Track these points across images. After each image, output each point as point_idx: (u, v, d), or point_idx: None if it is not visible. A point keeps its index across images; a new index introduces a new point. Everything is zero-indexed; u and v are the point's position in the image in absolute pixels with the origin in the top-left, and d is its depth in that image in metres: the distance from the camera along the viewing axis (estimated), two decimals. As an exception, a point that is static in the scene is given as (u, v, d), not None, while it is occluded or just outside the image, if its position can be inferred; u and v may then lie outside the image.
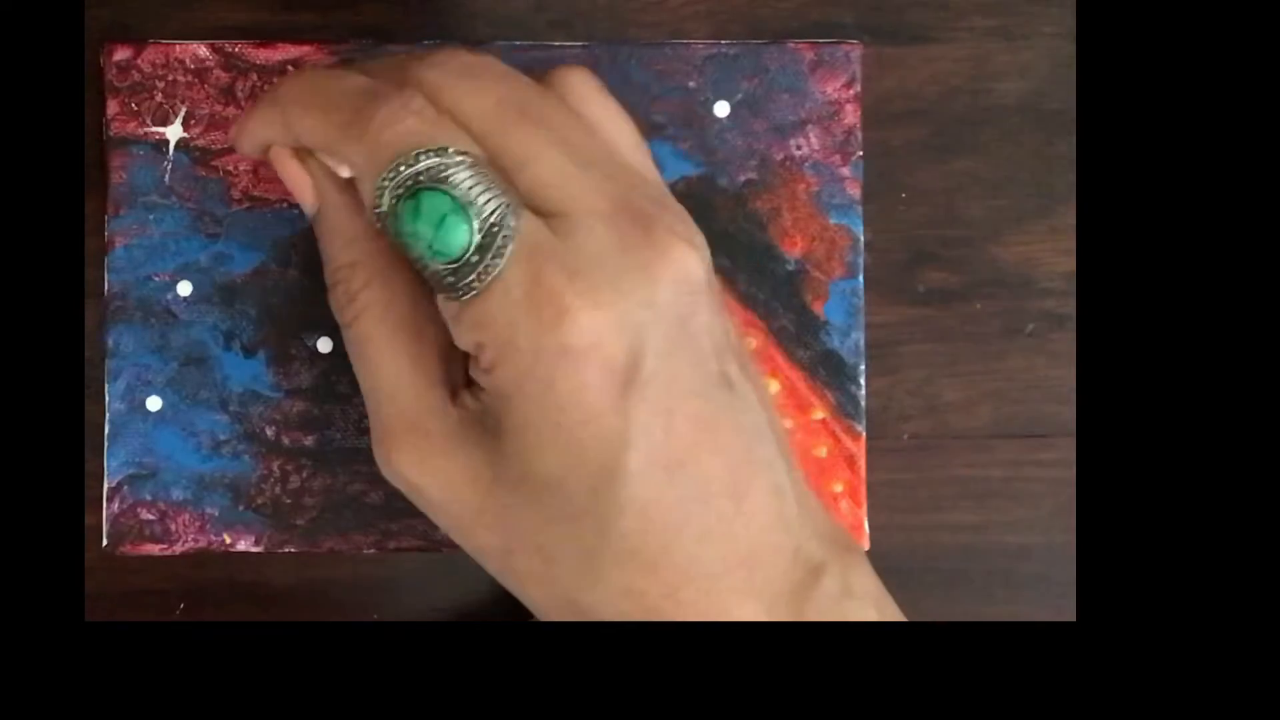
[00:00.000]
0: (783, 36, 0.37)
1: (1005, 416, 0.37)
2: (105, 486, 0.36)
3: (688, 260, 0.28)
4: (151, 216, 0.36)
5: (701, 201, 0.36)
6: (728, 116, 0.36)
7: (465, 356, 0.30)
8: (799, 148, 0.36)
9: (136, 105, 0.36)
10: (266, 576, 0.36)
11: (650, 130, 0.36)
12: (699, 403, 0.28)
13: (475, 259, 0.28)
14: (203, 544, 0.36)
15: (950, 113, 0.37)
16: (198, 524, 0.36)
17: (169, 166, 0.36)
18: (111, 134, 0.36)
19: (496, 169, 0.28)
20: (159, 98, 0.36)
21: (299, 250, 0.36)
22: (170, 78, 0.36)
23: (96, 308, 0.36)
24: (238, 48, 0.36)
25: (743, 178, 0.36)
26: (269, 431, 0.36)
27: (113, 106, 0.36)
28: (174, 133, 0.36)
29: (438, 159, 0.28)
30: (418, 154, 0.28)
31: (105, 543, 0.36)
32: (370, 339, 0.30)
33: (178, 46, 0.36)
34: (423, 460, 0.30)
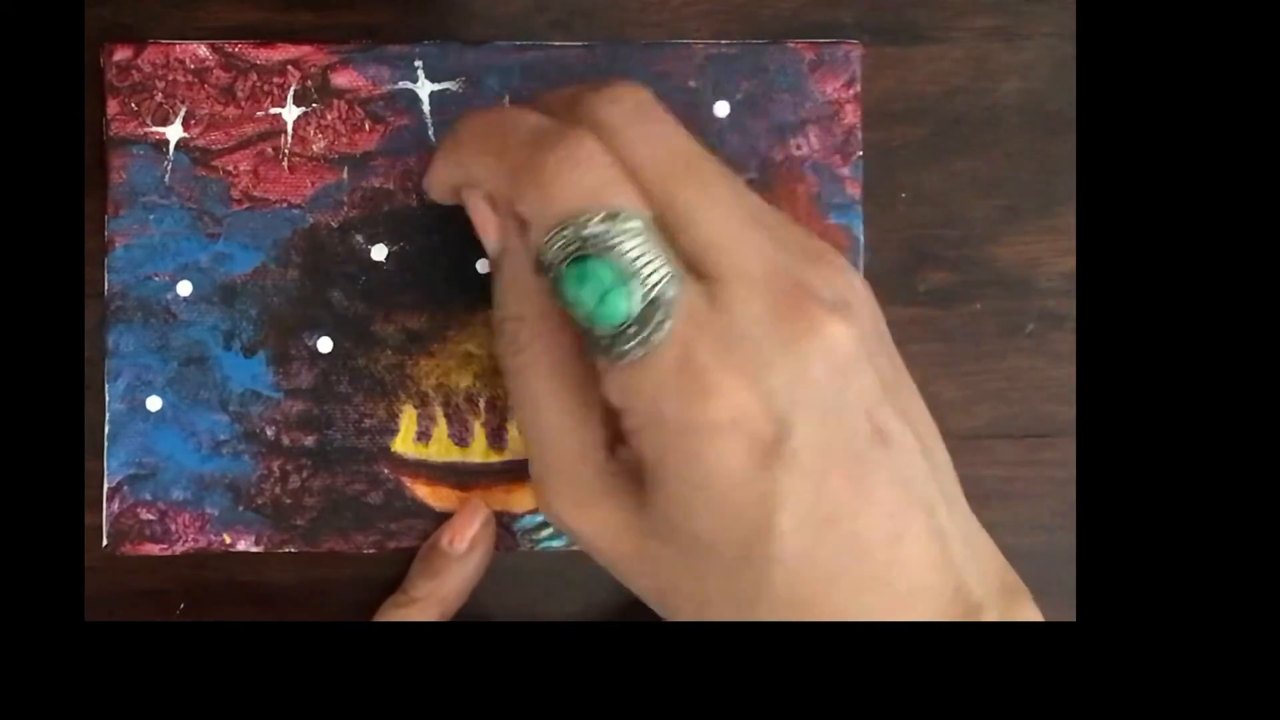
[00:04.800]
0: (783, 36, 0.37)
1: (1005, 416, 0.37)
2: (105, 486, 0.36)
3: (837, 335, 0.28)
4: (151, 216, 0.36)
5: (701, 201, 0.36)
6: (728, 116, 0.36)
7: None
8: (799, 148, 0.36)
9: (136, 105, 0.36)
10: (266, 576, 0.36)
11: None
12: (851, 464, 0.28)
13: (633, 330, 0.28)
14: (203, 544, 0.36)
15: (950, 113, 0.37)
16: (198, 524, 0.36)
17: (169, 166, 0.36)
18: (111, 134, 0.36)
19: (660, 224, 0.28)
20: (159, 98, 0.36)
21: (299, 250, 0.36)
22: (170, 78, 0.36)
23: (96, 308, 0.36)
24: (238, 48, 0.36)
25: (743, 178, 0.36)
26: (269, 431, 0.36)
27: (113, 106, 0.36)
28: (174, 133, 0.36)
29: (606, 226, 0.28)
30: (586, 219, 0.28)
31: (105, 543, 0.36)
32: (532, 390, 0.31)
33: (178, 46, 0.36)
34: (577, 506, 0.30)
